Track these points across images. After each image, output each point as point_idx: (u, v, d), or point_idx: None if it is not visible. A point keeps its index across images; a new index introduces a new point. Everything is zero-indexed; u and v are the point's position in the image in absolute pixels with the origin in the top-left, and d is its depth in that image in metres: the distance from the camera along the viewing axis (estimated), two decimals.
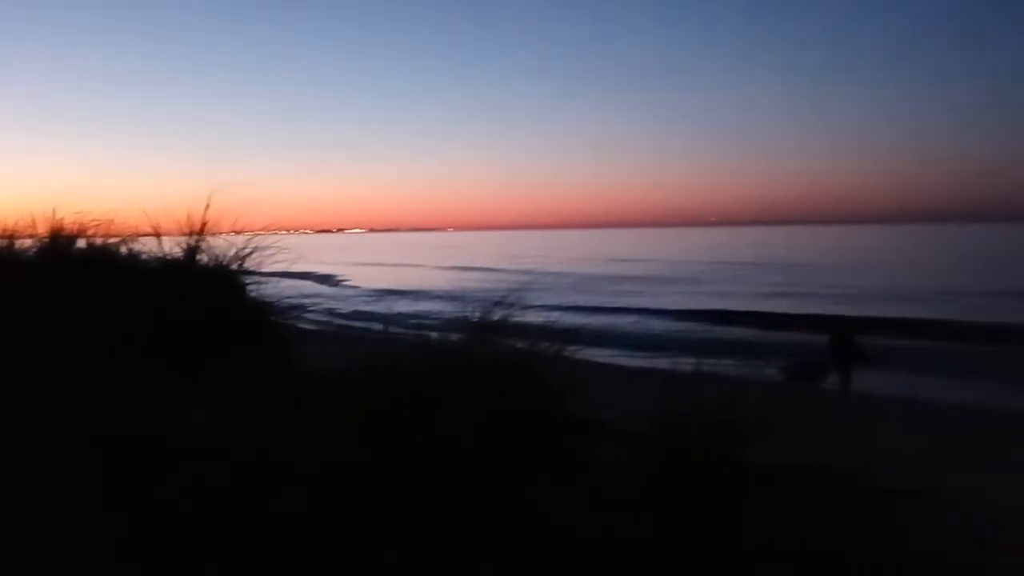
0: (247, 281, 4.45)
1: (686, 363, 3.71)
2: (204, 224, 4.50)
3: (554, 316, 3.75)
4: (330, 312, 27.88)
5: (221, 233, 4.57)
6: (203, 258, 4.45)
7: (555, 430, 3.18)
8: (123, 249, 4.68)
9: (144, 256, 4.57)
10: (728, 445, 2.97)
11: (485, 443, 2.87)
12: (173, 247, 4.51)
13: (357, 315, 27.32)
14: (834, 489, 2.93)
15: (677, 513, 2.71)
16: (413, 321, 4.11)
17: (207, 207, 4.51)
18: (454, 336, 3.57)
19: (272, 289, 4.53)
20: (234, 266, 4.42)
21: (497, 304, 3.68)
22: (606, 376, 10.43)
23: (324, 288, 41.34)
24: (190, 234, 4.48)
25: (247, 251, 4.45)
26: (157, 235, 4.57)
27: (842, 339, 14.06)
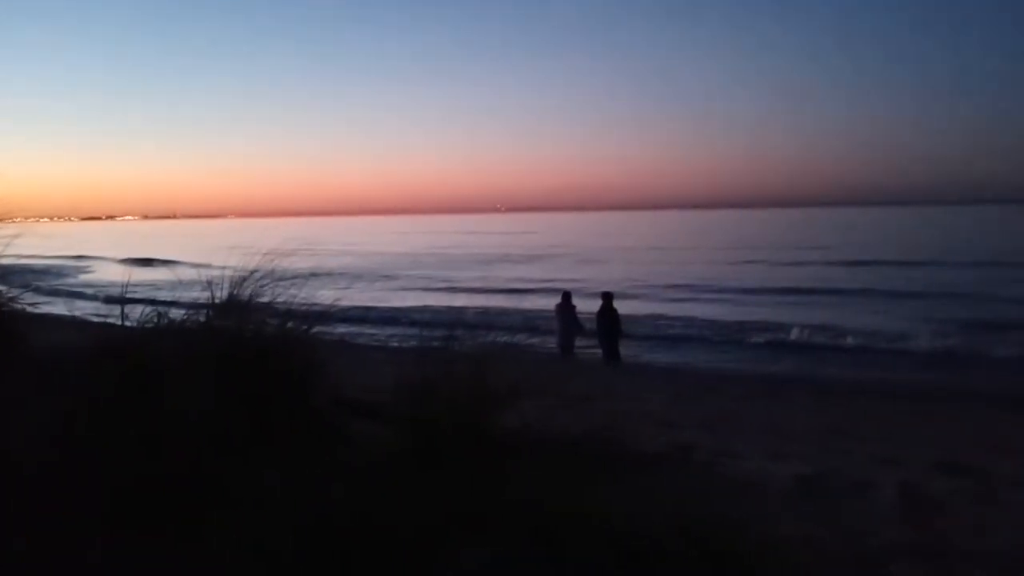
0: None
1: (437, 340, 3.81)
2: None
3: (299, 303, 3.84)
4: (69, 296, 26.32)
5: None
6: None
7: (302, 408, 3.19)
8: None
9: None
10: (480, 415, 3.03)
11: (223, 424, 2.83)
12: None
13: (98, 299, 25.73)
14: (586, 454, 3.02)
15: (421, 483, 2.75)
16: (153, 306, 3.99)
17: None
18: (197, 318, 3.56)
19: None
20: None
21: (243, 288, 3.72)
22: (356, 355, 10.55)
23: (66, 277, 38.71)
24: None
25: None
26: None
27: (606, 314, 14.84)
